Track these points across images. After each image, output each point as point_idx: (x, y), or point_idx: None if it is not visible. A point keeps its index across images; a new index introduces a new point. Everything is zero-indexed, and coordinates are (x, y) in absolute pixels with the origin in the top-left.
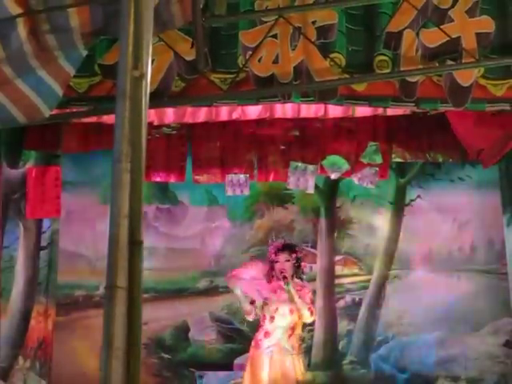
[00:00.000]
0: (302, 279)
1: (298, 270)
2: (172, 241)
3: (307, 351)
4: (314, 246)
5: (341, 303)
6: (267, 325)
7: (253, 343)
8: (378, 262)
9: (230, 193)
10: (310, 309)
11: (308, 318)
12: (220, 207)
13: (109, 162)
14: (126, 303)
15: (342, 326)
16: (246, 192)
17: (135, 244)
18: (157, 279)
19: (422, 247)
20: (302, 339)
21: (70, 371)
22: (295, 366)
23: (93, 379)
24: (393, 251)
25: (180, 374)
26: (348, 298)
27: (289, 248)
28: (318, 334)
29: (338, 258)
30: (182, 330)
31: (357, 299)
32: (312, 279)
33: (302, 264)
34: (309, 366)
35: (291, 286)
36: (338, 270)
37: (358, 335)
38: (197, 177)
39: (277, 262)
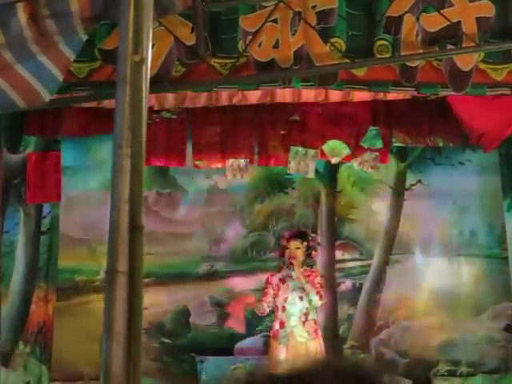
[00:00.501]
0: (311, 266)
1: (307, 258)
2: (172, 225)
3: None
4: (315, 231)
5: (341, 288)
6: (280, 315)
7: (271, 334)
8: (378, 247)
9: (230, 177)
10: (318, 293)
11: (317, 302)
12: (220, 192)
13: (109, 147)
14: (126, 288)
15: (343, 310)
16: (246, 177)
17: (136, 229)
18: (157, 264)
19: (422, 232)
20: (318, 323)
21: (70, 356)
22: (313, 351)
23: (93, 364)
24: (393, 236)
25: (180, 358)
26: (348, 282)
27: (301, 236)
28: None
29: (338, 242)
30: (183, 315)
31: (357, 284)
32: None
33: (313, 253)
34: None
35: (298, 272)
36: (339, 254)
37: (359, 320)
38: (197, 161)
39: (287, 248)
